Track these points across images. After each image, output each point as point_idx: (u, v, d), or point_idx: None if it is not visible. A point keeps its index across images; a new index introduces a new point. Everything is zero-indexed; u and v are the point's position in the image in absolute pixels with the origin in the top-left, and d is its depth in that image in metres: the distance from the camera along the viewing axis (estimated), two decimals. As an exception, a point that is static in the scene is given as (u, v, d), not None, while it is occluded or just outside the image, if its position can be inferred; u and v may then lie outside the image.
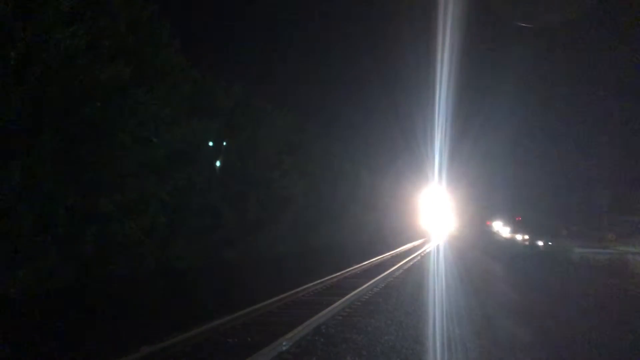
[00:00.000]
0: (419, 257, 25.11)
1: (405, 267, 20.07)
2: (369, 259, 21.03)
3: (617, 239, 45.32)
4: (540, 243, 37.56)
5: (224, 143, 18.82)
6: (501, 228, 70.74)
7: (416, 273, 18.00)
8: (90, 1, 11.46)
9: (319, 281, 13.48)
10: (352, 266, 17.86)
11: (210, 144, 17.75)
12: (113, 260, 12.64)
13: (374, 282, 14.05)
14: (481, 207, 64.80)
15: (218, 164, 18.46)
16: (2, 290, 9.59)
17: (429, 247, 33.48)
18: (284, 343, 7.05)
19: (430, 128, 29.91)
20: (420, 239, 46.83)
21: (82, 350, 7.16)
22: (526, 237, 47.83)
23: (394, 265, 19.25)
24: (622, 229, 46.76)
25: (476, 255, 29.79)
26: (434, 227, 47.27)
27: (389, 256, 24.92)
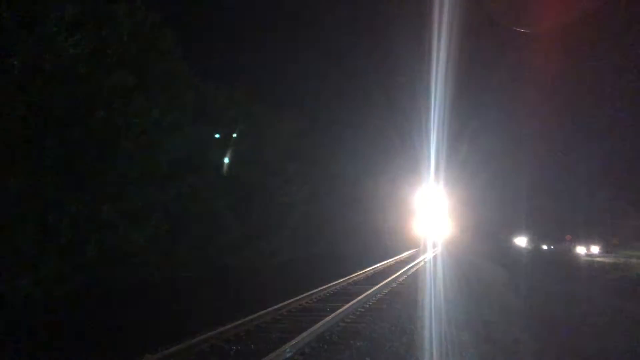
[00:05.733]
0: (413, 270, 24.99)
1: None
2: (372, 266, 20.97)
3: (620, 243, 45.17)
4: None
5: (227, 150, 18.82)
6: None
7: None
8: (93, 10, 11.53)
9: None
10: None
11: (213, 150, 17.76)
12: (116, 268, 12.61)
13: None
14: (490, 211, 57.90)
15: (221, 170, 18.45)
16: (5, 297, 9.57)
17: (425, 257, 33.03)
18: (287, 350, 7.05)
19: (431, 127, 29.49)
20: (415, 248, 45.56)
21: (85, 358, 7.13)
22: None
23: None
24: (626, 234, 46.57)
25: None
26: (431, 235, 44.29)
27: (393, 261, 24.89)
